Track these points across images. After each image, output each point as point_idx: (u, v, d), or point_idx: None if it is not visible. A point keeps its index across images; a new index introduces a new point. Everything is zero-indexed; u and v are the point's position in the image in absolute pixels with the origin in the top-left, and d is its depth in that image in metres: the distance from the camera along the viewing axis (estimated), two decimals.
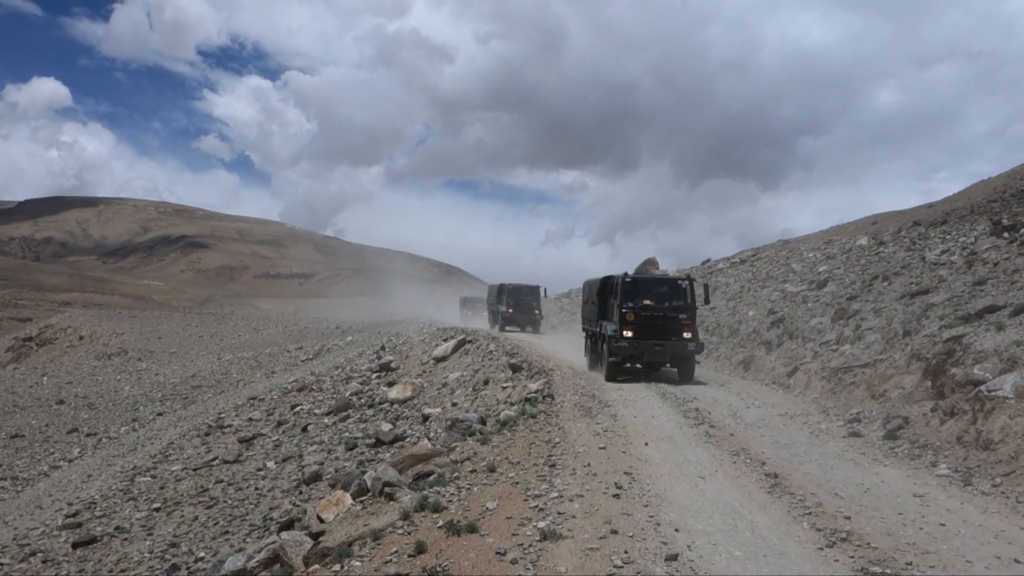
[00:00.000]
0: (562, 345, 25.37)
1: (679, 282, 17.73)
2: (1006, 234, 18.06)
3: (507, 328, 34.89)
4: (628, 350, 16.69)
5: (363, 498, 8.74)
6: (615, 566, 5.20)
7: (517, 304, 35.55)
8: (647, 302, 17.03)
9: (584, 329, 21.62)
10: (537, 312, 35.76)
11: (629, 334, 16.66)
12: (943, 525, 6.39)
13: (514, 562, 5.39)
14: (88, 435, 27.39)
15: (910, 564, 5.37)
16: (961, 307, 12.79)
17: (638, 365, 17.44)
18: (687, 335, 16.85)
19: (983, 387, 9.19)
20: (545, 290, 37.67)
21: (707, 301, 18.34)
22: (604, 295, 18.82)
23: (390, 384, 20.18)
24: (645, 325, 16.74)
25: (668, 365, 17.45)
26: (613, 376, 16.81)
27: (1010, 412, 8.57)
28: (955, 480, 8.05)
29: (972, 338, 10.67)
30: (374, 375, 22.47)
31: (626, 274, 17.72)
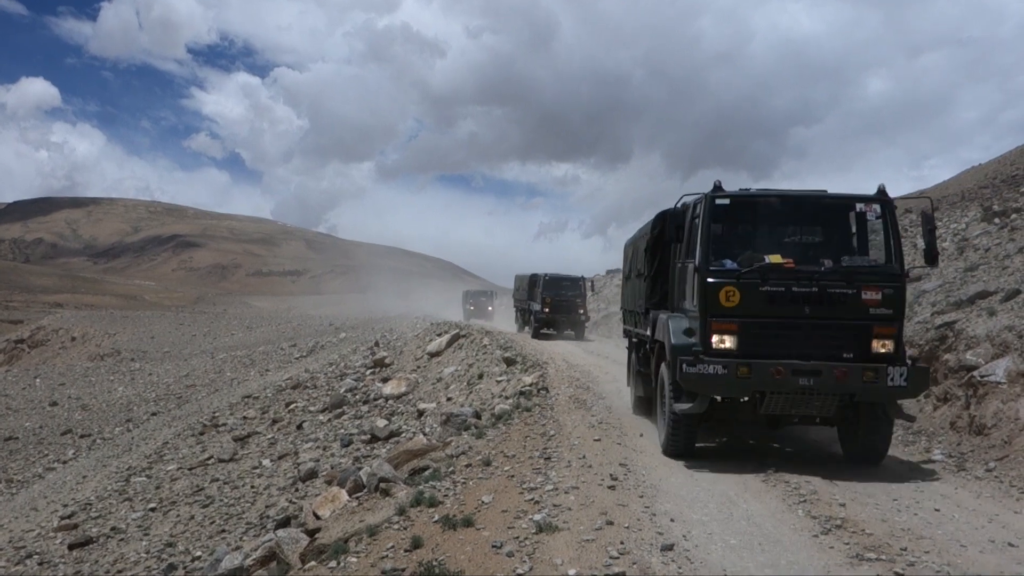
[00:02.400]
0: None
1: (856, 209, 8.14)
2: (997, 220, 18.14)
3: (543, 332, 27.30)
4: (723, 384, 7.63)
5: (359, 494, 8.72)
6: (611, 557, 5.20)
7: (556, 302, 27.27)
8: (774, 259, 7.70)
9: (625, 332, 13.07)
10: (581, 312, 27.87)
11: (725, 343, 7.70)
12: (937, 510, 6.42)
13: (510, 555, 5.39)
14: (82, 436, 27.27)
15: (905, 550, 5.39)
16: (953, 293, 12.83)
17: (749, 420, 8.53)
18: (883, 347, 7.57)
19: (976, 372, 9.23)
20: (592, 283, 30.30)
21: (933, 260, 7.94)
22: (658, 255, 10.05)
23: (384, 380, 20.15)
24: (771, 322, 7.66)
25: (817, 419, 8.22)
26: (682, 447, 8.30)
27: (1003, 397, 8.61)
28: (949, 465, 8.09)
29: (964, 324, 10.70)
30: (368, 371, 22.44)
31: (718, 188, 8.10)
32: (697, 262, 7.94)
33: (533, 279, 29.29)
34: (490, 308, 44.98)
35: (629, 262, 12.78)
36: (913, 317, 12.75)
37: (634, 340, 11.93)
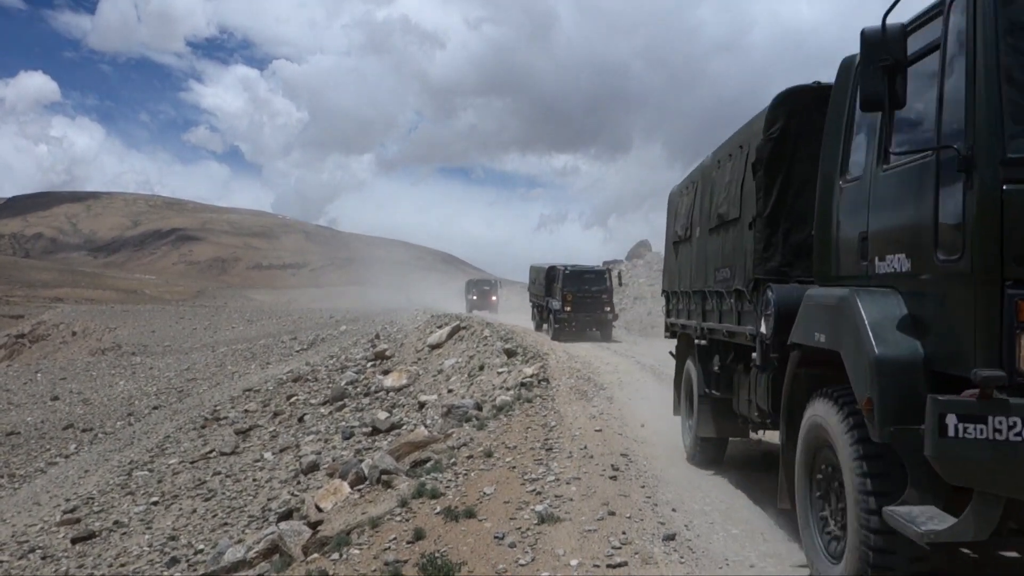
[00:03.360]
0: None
1: None
2: None
3: (568, 328, 23.30)
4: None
5: (361, 486, 8.75)
6: (613, 547, 5.20)
7: (578, 299, 23.37)
8: None
9: (672, 327, 9.15)
10: (608, 310, 23.82)
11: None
12: None
13: (512, 546, 5.39)
14: (84, 431, 27.35)
15: None
16: None
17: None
18: None
19: None
20: (620, 274, 26.73)
21: None
22: (782, 174, 5.37)
23: (385, 372, 20.18)
24: None
25: None
26: None
27: None
28: None
29: None
30: (369, 364, 22.46)
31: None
32: (967, 147, 3.10)
33: (551, 272, 25.33)
34: (493, 298, 43.08)
35: (687, 213, 8.08)
36: None
37: (702, 343, 7.37)
